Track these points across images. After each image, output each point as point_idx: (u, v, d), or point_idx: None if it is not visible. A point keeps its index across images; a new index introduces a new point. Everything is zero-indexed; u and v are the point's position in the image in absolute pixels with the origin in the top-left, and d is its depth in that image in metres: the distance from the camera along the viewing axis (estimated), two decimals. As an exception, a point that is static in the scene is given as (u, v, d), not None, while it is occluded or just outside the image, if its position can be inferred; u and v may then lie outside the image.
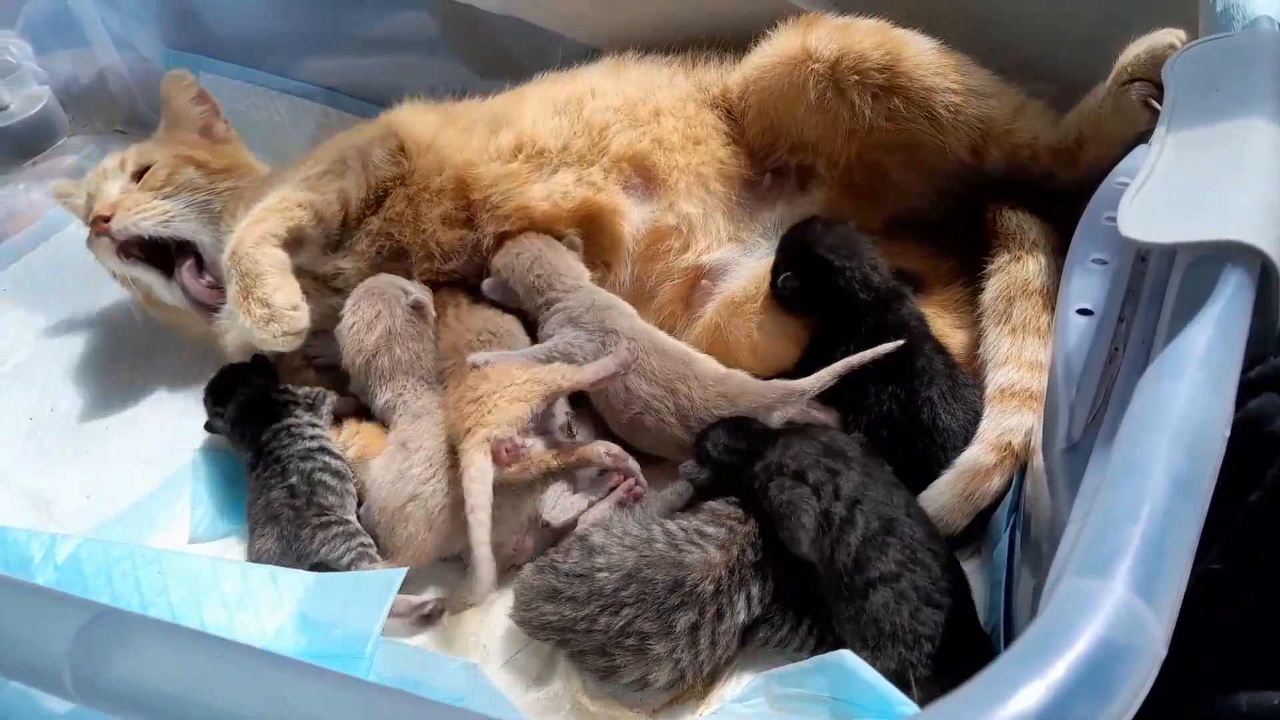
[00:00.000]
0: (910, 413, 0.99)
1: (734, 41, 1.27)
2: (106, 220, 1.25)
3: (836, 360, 1.02)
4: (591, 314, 1.11)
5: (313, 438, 1.09)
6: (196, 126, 1.40)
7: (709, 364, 1.08)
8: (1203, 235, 0.60)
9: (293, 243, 1.14)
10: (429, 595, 1.01)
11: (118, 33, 1.81)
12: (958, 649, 0.78)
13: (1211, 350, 0.54)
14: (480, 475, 0.96)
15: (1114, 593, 0.44)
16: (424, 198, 1.20)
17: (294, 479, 1.04)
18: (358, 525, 1.05)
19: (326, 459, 1.07)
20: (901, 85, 1.11)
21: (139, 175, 1.30)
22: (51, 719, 0.61)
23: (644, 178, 1.21)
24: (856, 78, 1.11)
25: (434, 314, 1.17)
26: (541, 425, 1.04)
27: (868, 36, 1.13)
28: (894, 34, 1.13)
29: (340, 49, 1.66)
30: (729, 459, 0.96)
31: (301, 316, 1.07)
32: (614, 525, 0.94)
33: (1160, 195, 0.66)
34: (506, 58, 1.44)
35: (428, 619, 0.99)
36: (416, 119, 1.28)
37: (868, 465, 0.90)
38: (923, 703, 0.72)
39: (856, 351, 1.02)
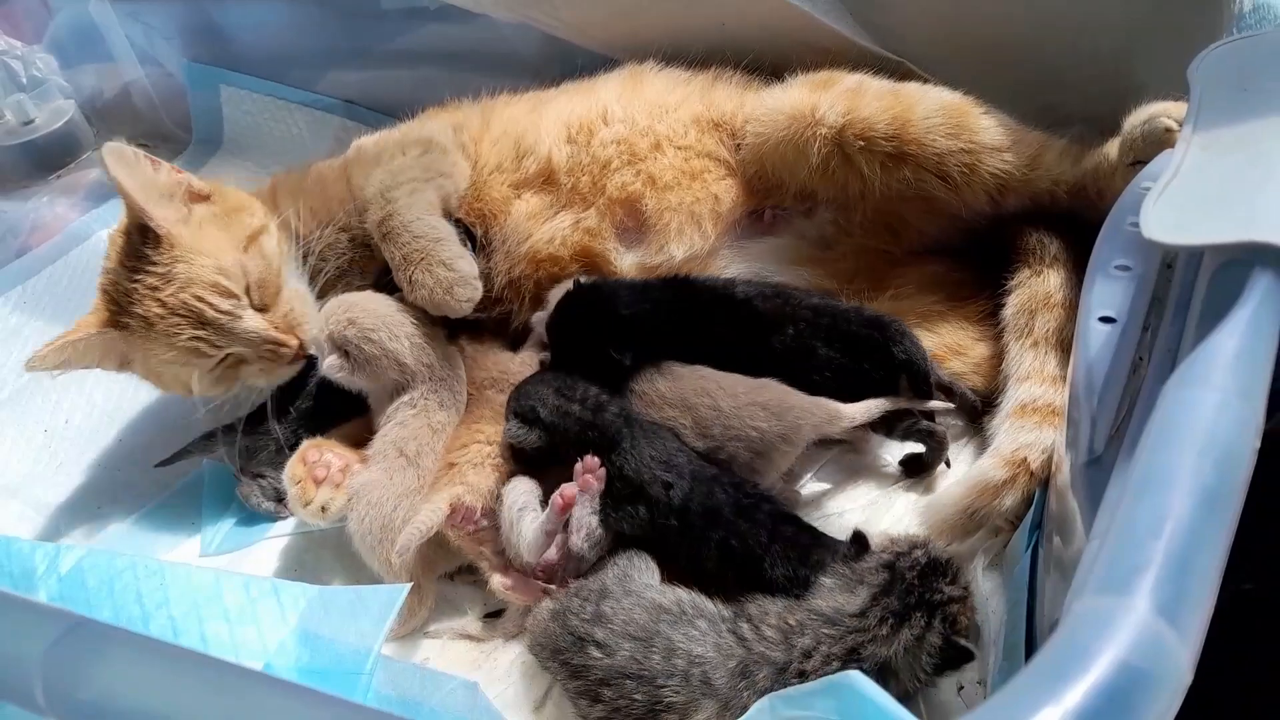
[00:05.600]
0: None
1: (754, 60, 1.25)
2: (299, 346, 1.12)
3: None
4: None
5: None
6: (182, 198, 1.13)
7: (733, 376, 1.04)
8: (1229, 237, 0.57)
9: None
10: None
11: (142, 47, 1.84)
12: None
13: (1240, 357, 0.51)
14: (432, 515, 0.95)
15: (1134, 612, 0.42)
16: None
17: None
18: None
19: None
20: (911, 153, 1.07)
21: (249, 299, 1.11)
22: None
23: (635, 221, 1.18)
24: (863, 144, 1.08)
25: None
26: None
27: (876, 101, 1.08)
28: (904, 97, 1.09)
29: (360, 62, 1.68)
30: (562, 422, 0.96)
31: (479, 286, 1.07)
32: (620, 608, 0.84)
33: (1185, 196, 0.63)
34: (524, 67, 1.43)
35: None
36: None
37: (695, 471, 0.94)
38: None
39: (757, 351, 1.04)
